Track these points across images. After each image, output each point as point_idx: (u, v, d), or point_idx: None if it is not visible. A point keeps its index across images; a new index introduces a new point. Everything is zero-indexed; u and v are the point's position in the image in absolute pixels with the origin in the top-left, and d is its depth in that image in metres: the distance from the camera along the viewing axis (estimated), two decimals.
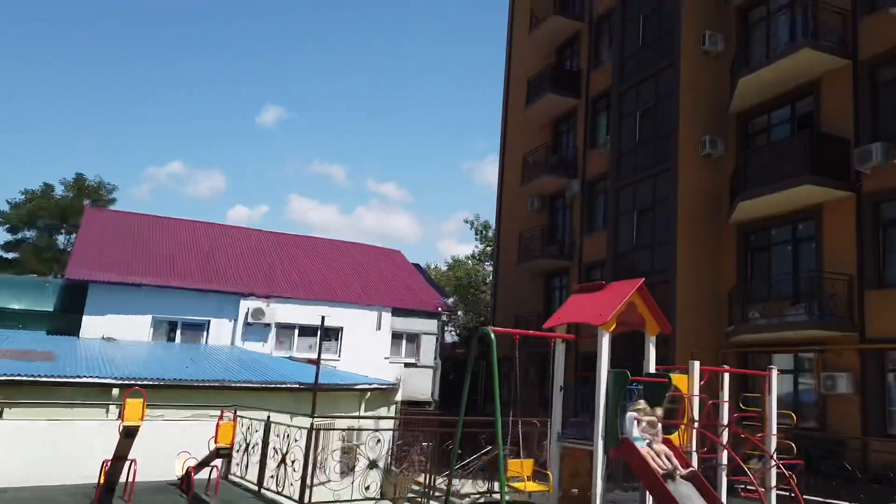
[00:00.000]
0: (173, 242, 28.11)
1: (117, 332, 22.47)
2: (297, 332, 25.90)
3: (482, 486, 10.34)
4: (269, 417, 10.42)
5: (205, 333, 24.41)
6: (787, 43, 17.06)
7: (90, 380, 14.61)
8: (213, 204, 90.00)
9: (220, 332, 24.52)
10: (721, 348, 17.98)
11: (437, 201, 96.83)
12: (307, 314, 25.67)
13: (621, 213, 20.79)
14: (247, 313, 24.57)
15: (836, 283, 15.40)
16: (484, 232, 46.01)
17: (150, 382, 14.72)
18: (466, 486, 10.48)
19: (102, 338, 22.04)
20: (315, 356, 24.13)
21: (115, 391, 14.27)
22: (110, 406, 13.66)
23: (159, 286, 23.79)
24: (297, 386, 16.51)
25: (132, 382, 13.85)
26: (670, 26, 19.78)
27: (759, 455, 9.73)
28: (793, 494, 8.30)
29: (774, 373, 9.97)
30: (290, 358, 24.04)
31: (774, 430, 9.63)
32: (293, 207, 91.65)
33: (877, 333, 14.56)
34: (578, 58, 26.08)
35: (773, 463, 9.09)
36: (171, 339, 24.03)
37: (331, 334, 26.23)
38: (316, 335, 25.62)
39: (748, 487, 9.17)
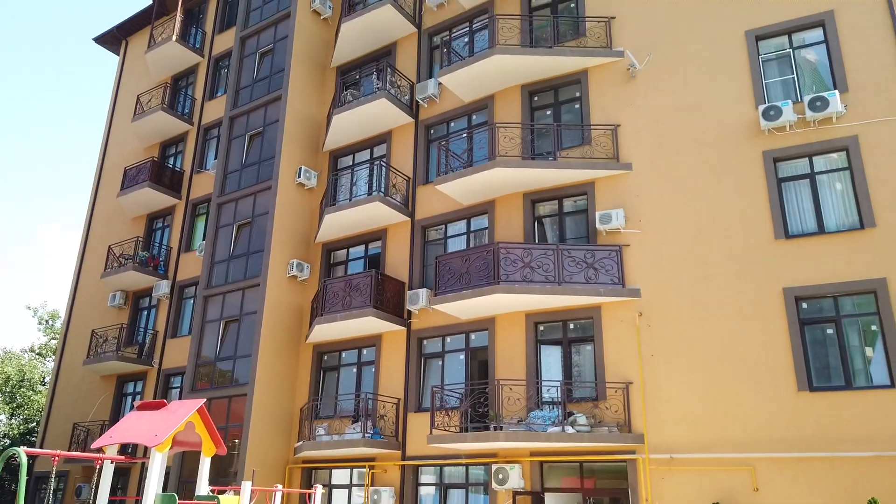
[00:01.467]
0: None
1: None
2: None
3: None
4: None
5: None
6: (365, 195, 20.20)
7: None
8: None
9: None
10: (289, 463, 18.91)
11: None
12: None
13: (207, 320, 20.85)
14: None
15: (387, 406, 17.93)
16: (49, 322, 40.29)
17: None
18: None
19: None
20: None
21: None
22: None
23: None
24: None
25: None
26: (271, 152, 21.56)
27: None
28: None
29: (319, 490, 11.07)
30: None
31: None
32: None
33: (414, 451, 17.21)
34: (183, 157, 26.18)
35: None
36: None
37: None
38: None
39: None
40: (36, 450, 8.30)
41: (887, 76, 14.17)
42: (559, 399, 15.26)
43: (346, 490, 18.27)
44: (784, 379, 13.41)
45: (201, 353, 20.51)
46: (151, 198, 25.07)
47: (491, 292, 15.61)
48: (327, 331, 18.94)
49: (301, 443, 18.29)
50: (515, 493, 15.20)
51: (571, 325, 16.34)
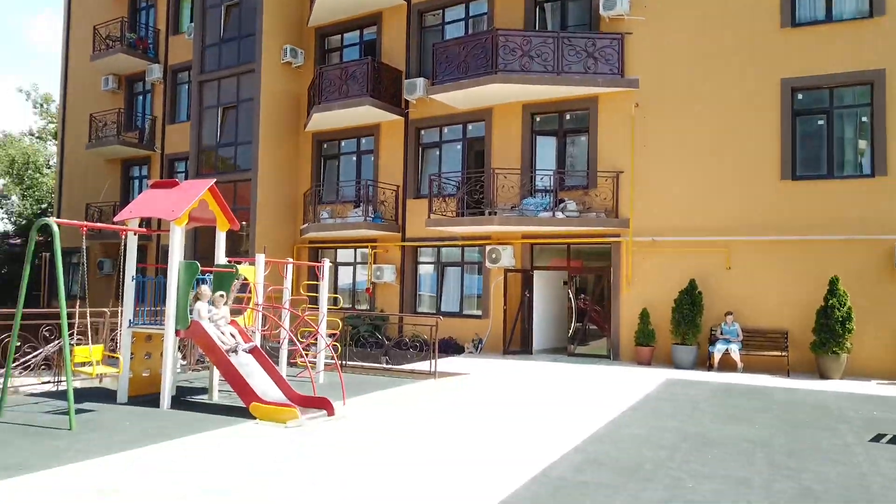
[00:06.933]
0: None
1: None
2: None
3: (47, 379, 10.20)
4: None
5: None
6: None
7: None
8: None
9: None
10: (296, 243, 20.18)
11: None
12: None
13: (205, 107, 20.85)
14: None
15: (387, 192, 18.70)
16: (44, 106, 39.88)
17: None
18: (27, 382, 10.17)
19: None
20: None
21: None
22: None
23: None
24: None
25: None
26: None
27: (310, 330, 11.84)
28: (335, 361, 10.60)
29: (326, 263, 12.06)
30: None
31: (325, 311, 11.80)
32: None
33: (413, 234, 18.31)
34: None
35: (319, 336, 11.26)
36: None
37: None
38: None
39: (300, 358, 11.20)
40: (66, 220, 8.97)
41: None
42: (551, 187, 15.95)
43: (351, 267, 19.74)
44: (769, 168, 13.98)
45: (202, 141, 20.82)
46: None
47: (489, 82, 15.55)
48: (325, 119, 19.09)
49: (306, 225, 19.36)
50: (507, 271, 16.52)
51: (568, 116, 16.52)
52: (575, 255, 16.41)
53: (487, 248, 16.67)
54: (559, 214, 15.32)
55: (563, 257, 16.53)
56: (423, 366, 12.87)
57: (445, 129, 18.34)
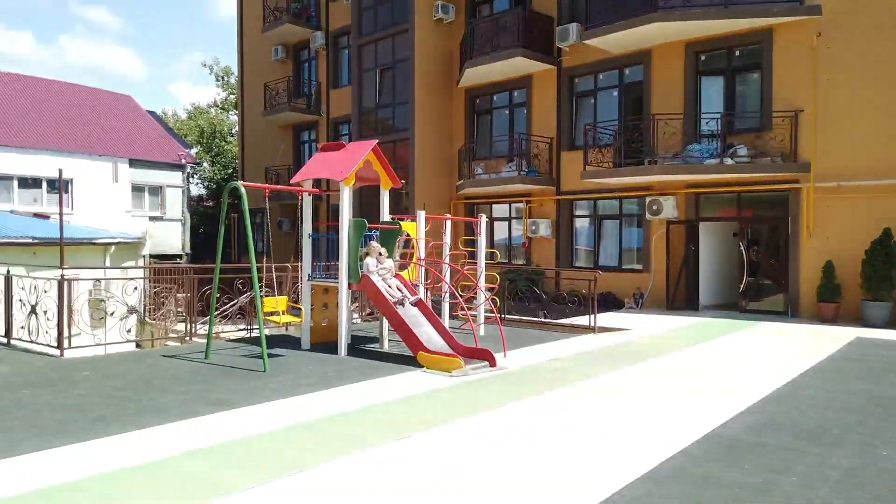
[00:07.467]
0: None
1: None
2: (15, 183, 23.26)
3: (241, 326, 11.45)
4: (8, 271, 10.15)
5: None
6: None
7: None
8: None
9: None
10: (453, 199, 20.67)
11: (163, 37, 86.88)
12: (25, 163, 23.13)
13: (365, 70, 21.67)
14: None
15: (541, 145, 18.48)
16: (225, 78, 43.52)
17: None
18: (226, 328, 11.49)
19: None
20: (42, 210, 22.27)
21: None
22: None
23: None
24: (31, 241, 15.51)
25: None
26: None
27: (469, 284, 12.18)
28: (494, 315, 10.87)
29: (483, 219, 12.26)
30: (12, 212, 21.80)
31: (483, 265, 12.07)
32: None
33: (568, 187, 18.03)
34: None
35: (479, 290, 11.55)
36: None
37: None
38: (40, 187, 23.66)
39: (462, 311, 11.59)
40: (251, 183, 9.84)
41: None
42: (718, 131, 14.89)
43: (506, 222, 19.89)
44: None
45: (363, 103, 21.74)
46: None
47: (648, 21, 14.68)
48: (477, 74, 19.10)
49: (462, 181, 19.70)
50: (669, 223, 15.79)
51: (737, 53, 15.21)
52: (746, 204, 15.29)
53: (648, 199, 16.00)
54: (728, 161, 14.29)
55: (733, 207, 15.46)
56: (581, 320, 12.79)
57: (600, 76, 17.65)
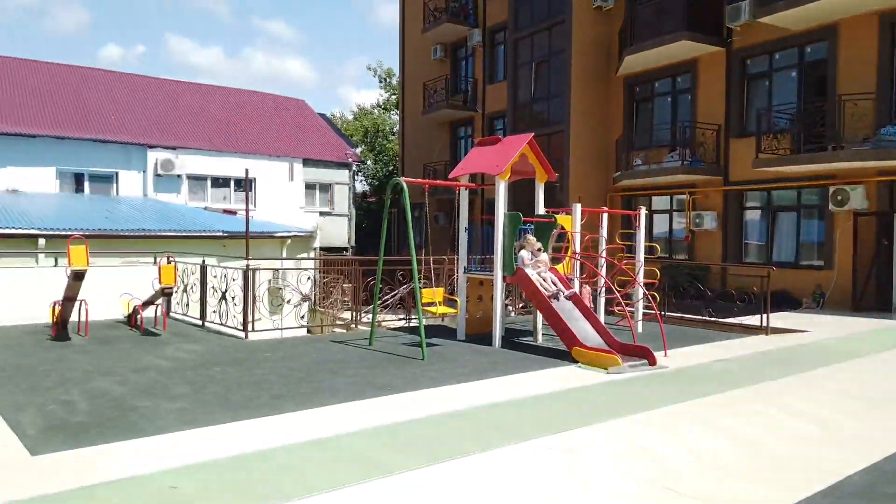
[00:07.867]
0: (58, 88, 26.56)
1: (20, 186, 22.05)
2: (209, 183, 26.08)
3: (401, 315, 12.01)
4: (203, 261, 11.42)
5: (114, 185, 24.22)
6: None
7: (13, 231, 14.83)
8: (78, 42, 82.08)
9: (130, 183, 24.36)
10: (609, 192, 20.13)
11: (332, 44, 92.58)
12: (217, 165, 25.86)
13: (520, 64, 21.68)
14: (155, 164, 24.39)
15: (707, 133, 17.43)
16: (387, 80, 45.53)
17: (75, 233, 15.14)
18: (387, 317, 12.12)
19: (6, 190, 21.57)
20: (230, 207, 24.79)
21: (42, 241, 14.63)
22: (38, 255, 14.12)
23: (58, 136, 22.99)
24: (222, 234, 17.41)
25: (56, 233, 14.29)
26: None
27: (628, 279, 11.80)
28: (653, 311, 10.47)
29: (643, 212, 11.82)
30: (206, 209, 24.53)
31: (641, 259, 11.65)
32: (173, 48, 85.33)
33: (737, 177, 16.87)
34: None
35: (638, 285, 11.16)
36: (79, 190, 23.75)
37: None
38: (228, 186, 26.28)
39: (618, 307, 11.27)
40: (412, 179, 10.25)
41: None
42: None
43: (666, 215, 19.00)
44: None
45: (518, 98, 21.78)
46: None
47: None
48: (637, 61, 18.40)
49: (619, 173, 19.11)
50: (857, 214, 14.25)
51: None
52: None
53: (831, 188, 14.53)
54: None
55: None
56: (751, 320, 11.92)
57: (776, 56, 16.29)
